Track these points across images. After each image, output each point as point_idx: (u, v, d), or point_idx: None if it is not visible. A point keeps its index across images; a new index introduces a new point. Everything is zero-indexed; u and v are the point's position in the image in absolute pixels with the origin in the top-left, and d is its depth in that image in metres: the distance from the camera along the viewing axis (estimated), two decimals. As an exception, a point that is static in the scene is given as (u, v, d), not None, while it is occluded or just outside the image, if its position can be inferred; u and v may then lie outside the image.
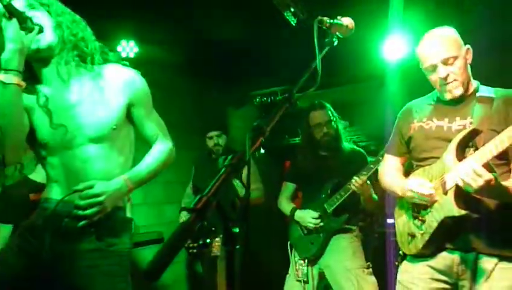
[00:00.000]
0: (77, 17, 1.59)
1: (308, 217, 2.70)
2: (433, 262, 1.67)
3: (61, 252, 1.48)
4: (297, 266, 2.74)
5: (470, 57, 1.72)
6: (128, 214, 1.71)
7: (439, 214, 1.59)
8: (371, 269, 2.61)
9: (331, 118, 2.81)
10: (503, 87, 1.71)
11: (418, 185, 1.62)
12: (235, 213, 0.63)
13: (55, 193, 1.54)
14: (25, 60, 1.40)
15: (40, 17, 1.46)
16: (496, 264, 1.57)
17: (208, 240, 0.71)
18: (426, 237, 1.64)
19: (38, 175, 2.37)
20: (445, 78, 1.65)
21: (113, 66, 1.61)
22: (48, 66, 1.51)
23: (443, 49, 1.66)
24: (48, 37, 1.47)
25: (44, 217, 1.52)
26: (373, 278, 2.57)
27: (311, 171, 2.81)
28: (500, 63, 3.07)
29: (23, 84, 1.40)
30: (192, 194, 3.35)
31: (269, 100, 5.09)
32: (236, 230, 0.69)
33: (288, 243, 2.86)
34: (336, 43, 1.21)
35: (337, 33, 1.24)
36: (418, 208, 1.70)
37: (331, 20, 1.22)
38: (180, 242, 0.59)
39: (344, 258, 2.62)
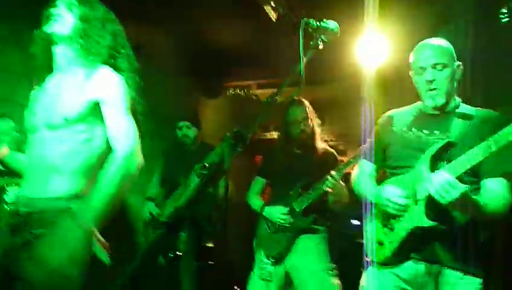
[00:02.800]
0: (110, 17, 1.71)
1: (276, 212, 2.68)
2: (398, 271, 1.68)
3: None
4: (262, 264, 2.72)
5: (459, 73, 1.75)
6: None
7: (408, 224, 1.60)
8: (335, 271, 2.62)
9: (309, 115, 2.79)
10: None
11: (394, 194, 1.63)
12: (211, 226, 0.59)
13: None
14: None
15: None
16: (461, 279, 1.59)
17: (180, 253, 0.68)
18: (394, 246, 1.65)
19: None
20: (431, 82, 1.68)
21: (104, 68, 1.64)
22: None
23: (435, 54, 1.70)
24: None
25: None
26: (337, 281, 2.58)
27: (283, 168, 2.78)
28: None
29: None
30: (159, 185, 3.24)
31: (243, 93, 5.04)
32: (211, 245, 0.64)
33: (254, 240, 2.84)
34: (320, 47, 1.18)
35: (323, 36, 1.20)
36: (388, 217, 1.71)
37: (318, 23, 1.17)
38: (152, 256, 0.53)
39: (310, 259, 2.61)
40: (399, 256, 1.66)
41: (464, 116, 1.67)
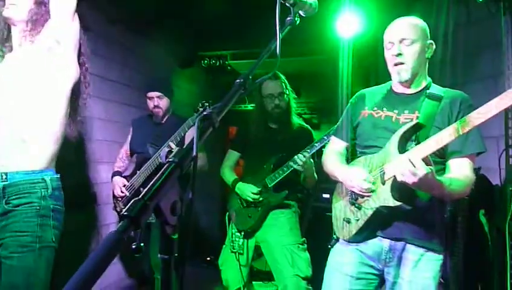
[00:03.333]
0: None
1: (248, 191, 2.68)
2: (363, 247, 1.73)
3: None
4: (234, 237, 2.74)
5: (430, 52, 1.73)
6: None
7: (375, 202, 1.63)
8: (305, 245, 2.67)
9: (284, 90, 2.74)
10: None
11: (359, 178, 1.65)
12: (174, 217, 0.56)
13: None
14: None
15: None
16: (422, 255, 1.65)
17: (142, 244, 0.64)
18: (360, 224, 1.69)
19: None
20: (396, 56, 1.67)
21: None
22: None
23: (403, 29, 1.70)
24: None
25: None
26: (307, 254, 2.64)
27: (258, 142, 2.76)
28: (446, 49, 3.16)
29: None
30: (126, 158, 3.14)
31: (218, 63, 4.92)
32: (175, 236, 0.61)
33: (227, 214, 2.84)
34: (298, 23, 1.13)
35: (300, 12, 1.15)
36: (355, 195, 1.73)
37: (296, -3, 1.12)
38: (111, 254, 0.50)
39: (280, 233, 2.64)
40: (364, 233, 1.70)
41: (434, 97, 1.68)
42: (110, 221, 3.47)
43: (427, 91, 1.71)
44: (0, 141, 1.69)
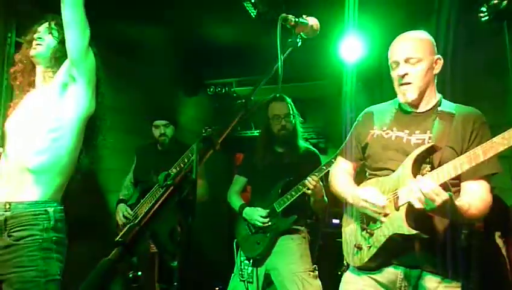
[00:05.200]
0: None
1: (256, 215, 2.63)
2: (377, 275, 1.64)
3: None
4: (242, 265, 2.67)
5: (438, 67, 1.66)
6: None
7: (389, 229, 1.55)
8: (316, 272, 2.58)
9: (290, 112, 2.72)
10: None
11: (372, 195, 1.57)
12: (173, 244, 0.54)
13: None
14: None
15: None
16: (440, 283, 1.57)
17: (140, 273, 0.62)
18: (373, 251, 1.60)
19: None
20: (402, 77, 1.61)
21: None
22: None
23: (408, 48, 1.62)
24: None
25: None
26: (318, 282, 2.55)
27: (264, 166, 2.71)
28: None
29: None
30: (131, 186, 3.12)
31: (223, 90, 4.96)
32: (175, 264, 0.58)
33: (234, 241, 2.78)
34: (299, 44, 1.12)
35: (302, 33, 1.15)
36: (367, 220, 1.66)
37: (296, 19, 1.12)
38: (103, 285, 0.47)
39: (291, 261, 2.57)
40: (377, 261, 1.62)
41: (445, 115, 1.61)
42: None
43: (439, 109, 1.65)
44: (9, 170, 1.73)
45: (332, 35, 3.59)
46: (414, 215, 1.48)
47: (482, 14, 2.74)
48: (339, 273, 1.81)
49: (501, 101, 2.84)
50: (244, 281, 2.63)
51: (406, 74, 1.61)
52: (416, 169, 1.52)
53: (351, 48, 3.67)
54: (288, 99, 2.76)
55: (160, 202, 0.57)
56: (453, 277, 1.57)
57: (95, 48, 1.87)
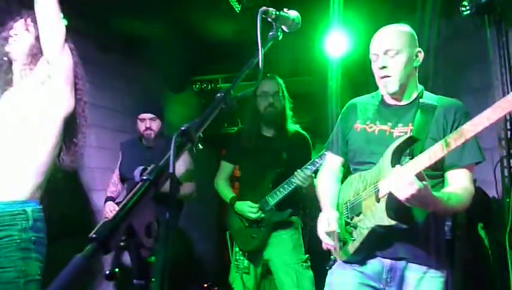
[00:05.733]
0: None
1: (248, 210, 2.57)
2: (363, 268, 1.66)
3: None
4: (237, 256, 2.65)
5: (419, 60, 1.66)
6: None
7: (371, 221, 1.56)
8: (309, 263, 2.59)
9: (280, 92, 2.63)
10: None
11: (323, 229, 1.64)
12: (150, 239, 0.53)
13: None
14: None
15: None
16: (425, 273, 1.59)
17: (117, 270, 0.61)
18: (357, 244, 1.62)
19: None
20: (381, 69, 1.61)
21: None
22: None
23: (388, 40, 1.62)
24: None
25: None
26: (310, 272, 2.57)
27: (252, 152, 2.62)
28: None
29: None
30: (119, 183, 3.07)
31: (209, 87, 4.93)
32: (152, 259, 0.57)
33: (227, 233, 2.75)
34: (280, 38, 1.11)
35: (283, 27, 1.14)
36: (351, 214, 1.68)
37: (277, 12, 1.11)
38: (76, 282, 0.46)
39: (284, 252, 2.57)
40: (362, 254, 1.64)
41: (427, 107, 1.63)
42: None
43: (420, 101, 1.66)
44: None
45: (318, 31, 3.60)
46: (395, 207, 1.49)
47: (463, 8, 2.77)
48: (327, 268, 1.81)
49: (483, 95, 2.88)
50: (240, 273, 2.62)
51: (385, 67, 1.61)
52: (396, 160, 1.53)
53: (336, 43, 3.67)
54: (280, 80, 2.68)
55: (135, 197, 0.56)
56: (437, 267, 1.59)
57: (72, 44, 1.84)
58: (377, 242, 1.59)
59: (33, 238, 1.68)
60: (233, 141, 2.89)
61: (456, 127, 1.55)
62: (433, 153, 1.39)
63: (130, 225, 0.54)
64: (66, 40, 1.80)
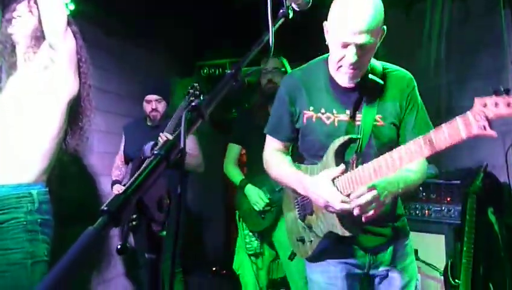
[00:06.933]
0: None
1: (254, 200, 2.57)
2: (346, 259, 1.56)
3: None
4: (247, 238, 2.65)
5: (381, 37, 1.42)
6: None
7: (324, 225, 1.47)
8: None
9: (281, 68, 2.60)
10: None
11: (337, 199, 1.35)
12: (161, 214, 0.52)
13: None
14: None
15: None
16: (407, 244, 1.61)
17: (128, 245, 0.61)
18: (314, 246, 1.52)
19: None
20: (353, 64, 1.37)
21: None
22: None
23: (365, 31, 1.32)
24: None
25: None
26: None
27: (258, 131, 2.62)
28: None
29: None
30: (123, 166, 3.07)
31: (217, 72, 4.91)
32: (163, 234, 0.57)
33: (237, 213, 2.74)
34: (291, 16, 1.09)
35: (293, 5, 1.12)
36: (303, 212, 1.57)
37: (287, -10, 1.09)
38: (86, 253, 0.46)
39: None
40: (323, 256, 1.55)
41: (373, 87, 1.46)
42: (113, 233, 3.42)
43: (369, 76, 1.47)
44: None
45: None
46: (347, 218, 1.40)
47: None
48: (289, 259, 1.76)
49: (496, 79, 2.82)
50: (252, 254, 2.61)
51: (357, 61, 1.37)
52: (340, 159, 1.44)
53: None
54: (284, 60, 2.65)
55: (146, 170, 0.56)
56: (406, 234, 1.61)
57: (78, 27, 1.82)
58: (335, 245, 1.50)
59: (39, 220, 1.69)
60: (239, 122, 2.88)
61: (408, 104, 1.47)
62: (379, 167, 1.29)
63: (141, 200, 0.54)
64: (69, 24, 1.78)
